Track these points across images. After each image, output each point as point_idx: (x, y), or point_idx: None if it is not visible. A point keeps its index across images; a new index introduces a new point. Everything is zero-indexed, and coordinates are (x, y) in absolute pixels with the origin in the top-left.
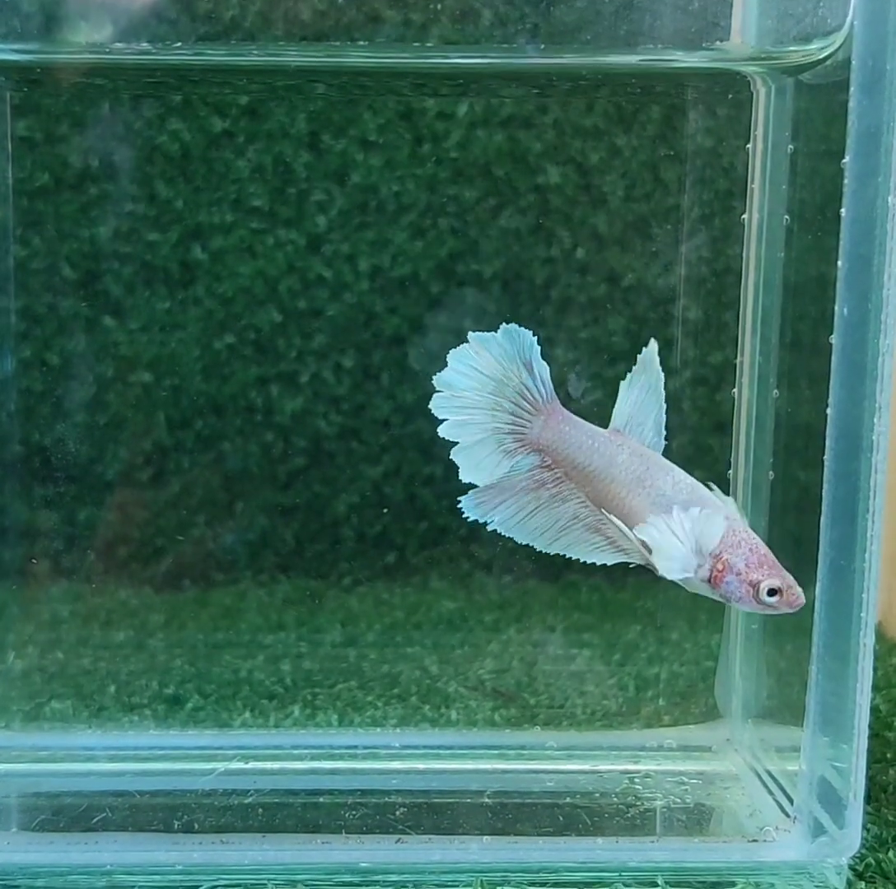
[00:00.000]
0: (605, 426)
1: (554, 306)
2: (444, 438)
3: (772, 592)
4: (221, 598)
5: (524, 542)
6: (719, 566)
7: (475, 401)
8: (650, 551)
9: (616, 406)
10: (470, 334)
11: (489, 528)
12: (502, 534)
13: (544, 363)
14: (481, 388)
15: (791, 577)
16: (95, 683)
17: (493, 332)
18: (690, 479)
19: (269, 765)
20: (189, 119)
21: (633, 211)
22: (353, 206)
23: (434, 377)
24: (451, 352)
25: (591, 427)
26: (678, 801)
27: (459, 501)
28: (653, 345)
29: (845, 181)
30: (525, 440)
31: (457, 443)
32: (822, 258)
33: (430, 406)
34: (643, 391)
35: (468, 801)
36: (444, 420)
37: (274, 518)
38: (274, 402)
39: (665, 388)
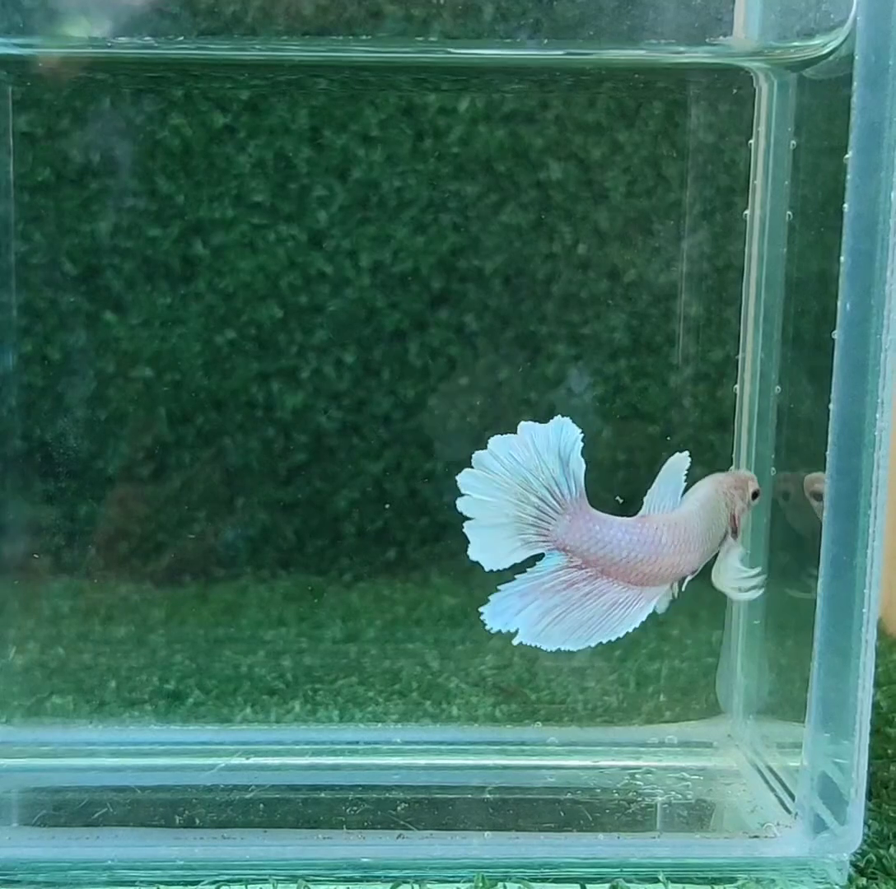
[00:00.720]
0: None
1: (555, 302)
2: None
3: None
4: (222, 593)
5: (553, 649)
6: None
7: (505, 485)
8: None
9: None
10: (520, 425)
11: (515, 642)
12: (527, 645)
13: (582, 461)
14: (513, 474)
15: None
16: (96, 679)
17: (542, 424)
18: (695, 499)
19: (270, 760)
20: (190, 114)
21: (635, 207)
22: (355, 201)
23: (473, 457)
24: (494, 437)
25: (621, 520)
26: (679, 797)
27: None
28: (684, 458)
29: (848, 177)
30: (548, 537)
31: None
32: (824, 254)
33: (458, 479)
34: (666, 490)
35: (469, 796)
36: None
37: (275, 514)
38: (275, 397)
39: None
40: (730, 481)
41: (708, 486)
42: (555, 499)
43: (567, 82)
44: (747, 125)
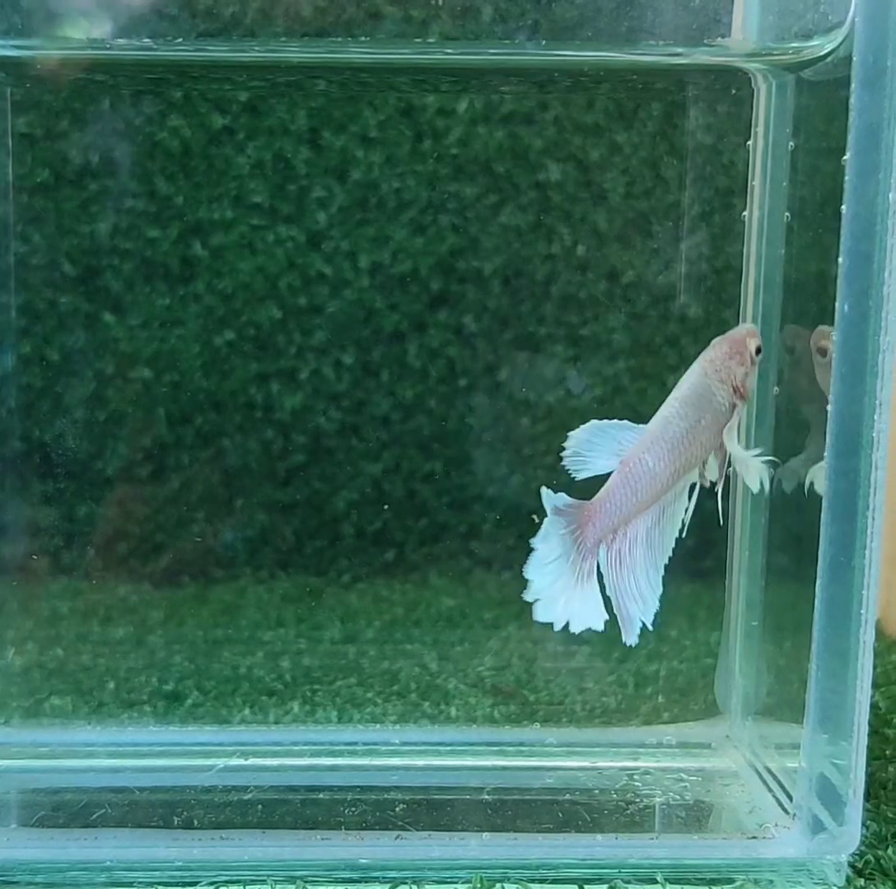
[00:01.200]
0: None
1: (554, 303)
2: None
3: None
4: (221, 594)
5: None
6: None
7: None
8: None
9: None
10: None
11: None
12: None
13: (554, 495)
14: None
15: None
16: (95, 680)
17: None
18: (672, 400)
19: (268, 761)
20: (189, 115)
21: (634, 208)
22: (354, 202)
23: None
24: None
25: (607, 484)
26: (677, 797)
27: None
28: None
29: (846, 178)
30: (586, 546)
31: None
32: (822, 255)
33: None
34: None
35: (467, 797)
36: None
37: (273, 514)
38: (274, 398)
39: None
40: (721, 355)
41: (693, 375)
42: (564, 529)
43: (566, 83)
44: (745, 126)
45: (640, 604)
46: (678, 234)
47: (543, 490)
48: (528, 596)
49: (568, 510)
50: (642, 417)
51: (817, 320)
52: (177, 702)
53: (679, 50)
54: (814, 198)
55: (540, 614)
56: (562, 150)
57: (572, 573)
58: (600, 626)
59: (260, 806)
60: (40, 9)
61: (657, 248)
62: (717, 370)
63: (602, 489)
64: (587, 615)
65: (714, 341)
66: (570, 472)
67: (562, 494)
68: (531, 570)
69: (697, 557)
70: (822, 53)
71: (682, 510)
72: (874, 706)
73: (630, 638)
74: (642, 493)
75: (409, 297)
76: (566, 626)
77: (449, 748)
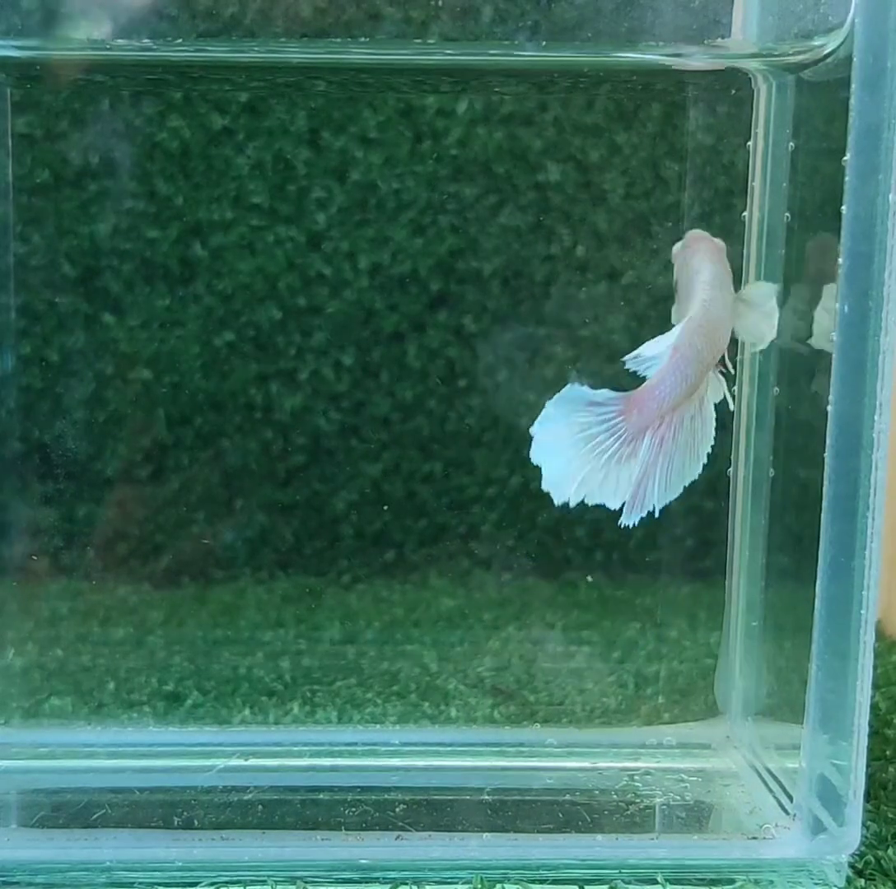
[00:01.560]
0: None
1: (554, 303)
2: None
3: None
4: (220, 595)
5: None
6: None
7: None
8: None
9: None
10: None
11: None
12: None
13: (590, 390)
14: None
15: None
16: (95, 680)
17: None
18: (707, 283)
19: (268, 762)
20: (189, 116)
21: (634, 209)
22: (353, 203)
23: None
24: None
25: (668, 367)
26: (678, 798)
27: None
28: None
29: (846, 179)
30: (629, 433)
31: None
32: (822, 256)
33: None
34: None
35: (468, 798)
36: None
37: (273, 515)
38: (273, 399)
39: None
40: (717, 245)
41: (707, 262)
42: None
43: (565, 84)
44: (746, 127)
45: (663, 490)
46: (679, 234)
47: (575, 384)
48: (545, 484)
49: (608, 401)
50: None
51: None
52: (177, 702)
53: (679, 51)
54: (814, 198)
55: (556, 496)
56: (561, 151)
57: (600, 457)
58: (615, 506)
59: (260, 806)
60: (40, 9)
61: (657, 248)
62: (720, 253)
63: (652, 377)
64: (607, 493)
65: (694, 237)
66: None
67: (604, 389)
68: (540, 453)
69: (697, 558)
70: (822, 54)
71: (719, 396)
72: (874, 707)
73: (631, 518)
74: (691, 377)
75: (408, 298)
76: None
77: (449, 749)
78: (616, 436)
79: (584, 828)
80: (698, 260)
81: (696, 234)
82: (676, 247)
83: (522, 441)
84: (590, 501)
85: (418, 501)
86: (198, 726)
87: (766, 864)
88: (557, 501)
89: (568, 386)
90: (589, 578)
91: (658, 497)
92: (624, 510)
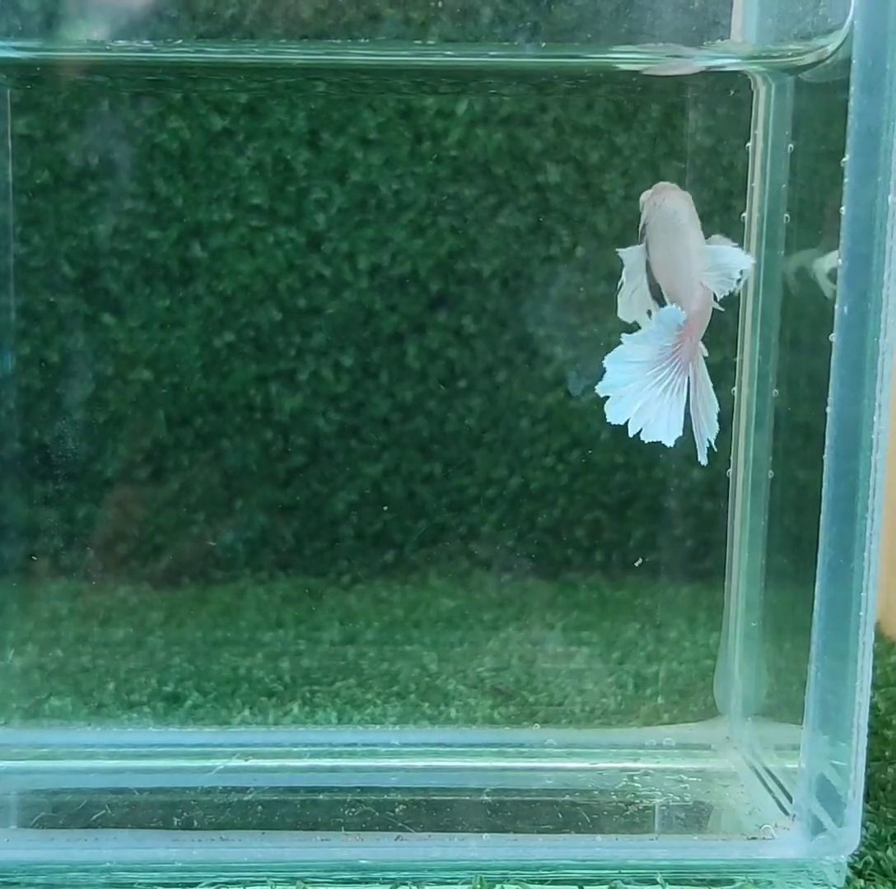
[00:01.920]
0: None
1: (553, 304)
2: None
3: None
4: (220, 595)
5: None
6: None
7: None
8: None
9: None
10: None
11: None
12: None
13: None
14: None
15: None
16: (95, 681)
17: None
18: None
19: (268, 762)
20: (189, 117)
21: (633, 210)
22: (353, 204)
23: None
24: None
25: (705, 296)
26: (677, 798)
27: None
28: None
29: (845, 180)
30: (682, 361)
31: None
32: (821, 257)
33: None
34: None
35: (467, 798)
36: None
37: (273, 516)
38: (273, 400)
39: None
40: (681, 191)
41: (692, 216)
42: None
43: (565, 85)
44: (745, 128)
45: (707, 424)
46: None
47: (668, 307)
48: (601, 388)
49: (680, 328)
50: None
51: (818, 322)
52: (177, 703)
53: (679, 52)
54: (813, 200)
55: (612, 415)
56: (561, 152)
57: (659, 384)
58: (670, 443)
59: (260, 807)
60: (40, 10)
61: None
62: (690, 200)
63: (691, 308)
64: (661, 429)
65: (664, 186)
66: None
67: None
68: (612, 362)
69: (697, 559)
70: (821, 56)
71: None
72: (873, 707)
73: (704, 456)
74: (709, 310)
75: (408, 299)
76: (638, 433)
77: (449, 749)
78: (672, 363)
79: (584, 828)
80: (671, 202)
81: (665, 183)
82: (646, 194)
83: (522, 441)
84: (646, 438)
85: (418, 502)
86: (197, 727)
87: (766, 864)
88: (613, 421)
89: (664, 309)
90: (637, 563)
91: (708, 431)
92: (698, 449)
